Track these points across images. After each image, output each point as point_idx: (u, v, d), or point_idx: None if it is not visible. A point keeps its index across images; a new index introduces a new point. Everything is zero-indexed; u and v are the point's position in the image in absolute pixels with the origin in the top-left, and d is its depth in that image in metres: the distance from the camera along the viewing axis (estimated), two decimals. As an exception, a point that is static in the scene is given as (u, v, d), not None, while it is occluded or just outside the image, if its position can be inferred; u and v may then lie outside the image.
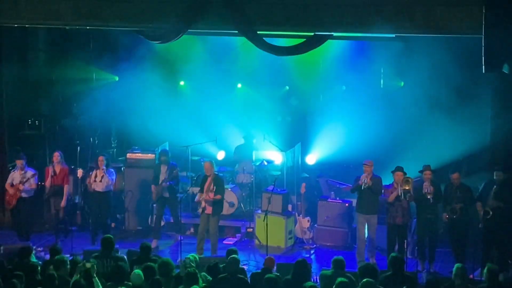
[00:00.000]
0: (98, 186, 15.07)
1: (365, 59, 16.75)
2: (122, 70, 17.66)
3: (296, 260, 10.93)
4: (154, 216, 15.83)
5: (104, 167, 15.07)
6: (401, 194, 13.61)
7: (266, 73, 17.76)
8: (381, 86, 17.38)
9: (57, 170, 15.19)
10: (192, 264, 11.01)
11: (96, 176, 15.06)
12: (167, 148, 16.66)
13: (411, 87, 16.58)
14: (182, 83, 18.75)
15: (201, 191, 14.61)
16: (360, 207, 14.28)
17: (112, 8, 13.32)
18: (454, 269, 10.68)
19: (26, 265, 10.90)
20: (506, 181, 13.33)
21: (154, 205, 15.96)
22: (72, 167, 15.92)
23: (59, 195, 15.19)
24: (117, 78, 18.41)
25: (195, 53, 17.54)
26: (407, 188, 13.58)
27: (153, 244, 14.65)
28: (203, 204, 14.50)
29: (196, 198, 14.74)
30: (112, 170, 15.41)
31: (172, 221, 15.80)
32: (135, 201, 16.31)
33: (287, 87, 18.37)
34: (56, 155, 15.24)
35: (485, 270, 10.56)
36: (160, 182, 15.34)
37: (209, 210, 14.49)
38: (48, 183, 15.20)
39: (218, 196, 14.50)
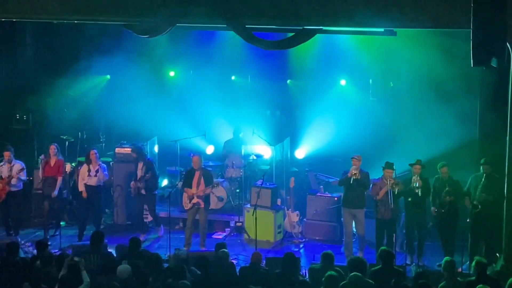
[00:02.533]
0: (92, 180, 15.07)
1: (354, 56, 16.75)
2: (111, 64, 17.55)
3: (284, 254, 10.95)
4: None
5: (99, 161, 15.09)
6: (390, 192, 13.59)
7: (257, 67, 17.73)
8: (370, 82, 17.34)
9: (52, 162, 15.17)
10: (183, 256, 11.03)
11: (89, 170, 15.02)
12: (155, 143, 16.61)
13: (400, 81, 16.63)
14: (172, 73, 18.64)
15: (187, 185, 14.59)
16: (347, 201, 14.27)
17: (100, 2, 13.25)
18: (442, 262, 10.73)
19: (13, 261, 10.89)
20: (493, 175, 13.38)
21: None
22: (61, 161, 15.86)
23: (51, 187, 15.13)
24: (108, 77, 18.35)
25: (184, 46, 17.49)
26: (395, 189, 13.60)
27: (142, 238, 14.66)
28: (195, 199, 14.49)
29: (189, 192, 14.58)
30: (104, 165, 15.43)
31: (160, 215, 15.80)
32: (124, 196, 16.26)
33: (289, 81, 18.33)
34: (53, 148, 15.21)
35: (473, 263, 10.61)
36: (137, 178, 15.31)
37: (202, 204, 14.52)
38: (41, 174, 15.14)
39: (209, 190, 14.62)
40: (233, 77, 18.64)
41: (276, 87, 18.20)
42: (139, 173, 15.28)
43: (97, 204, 15.29)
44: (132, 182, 15.41)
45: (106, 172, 15.34)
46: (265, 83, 18.06)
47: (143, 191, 15.32)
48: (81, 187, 15.17)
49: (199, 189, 14.49)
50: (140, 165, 15.31)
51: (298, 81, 18.14)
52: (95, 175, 15.06)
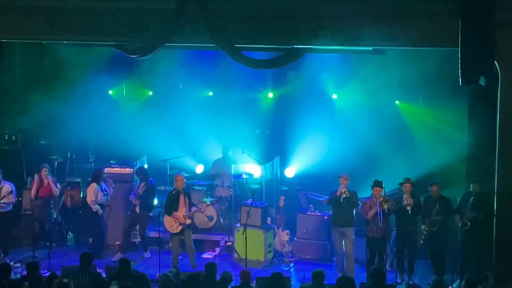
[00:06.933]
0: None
1: (342, 73, 16.79)
2: (100, 83, 17.54)
3: (271, 274, 10.90)
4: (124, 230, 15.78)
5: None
6: (379, 212, 13.56)
7: (244, 84, 17.72)
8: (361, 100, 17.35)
9: (46, 183, 15.17)
10: (179, 276, 11.01)
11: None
12: (145, 163, 16.59)
13: (389, 99, 16.68)
14: (150, 93, 18.59)
15: (174, 209, 14.47)
16: (336, 220, 14.27)
17: (88, 23, 13.29)
18: (432, 281, 10.72)
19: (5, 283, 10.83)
20: (483, 192, 13.41)
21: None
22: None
23: (43, 207, 15.13)
24: (111, 92, 18.32)
25: (171, 64, 17.45)
26: (385, 207, 13.59)
27: (117, 257, 14.69)
28: (188, 221, 14.45)
29: (180, 215, 14.43)
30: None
31: (150, 235, 15.73)
32: (114, 216, 16.18)
33: (271, 94, 18.30)
34: (45, 170, 15.21)
35: (463, 282, 10.60)
36: (136, 196, 15.40)
37: (188, 224, 14.48)
38: (32, 195, 15.08)
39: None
40: (210, 93, 18.51)
41: (262, 102, 18.18)
42: (139, 191, 15.37)
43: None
44: (133, 198, 15.44)
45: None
46: (251, 98, 18.02)
47: (137, 209, 15.31)
48: (94, 208, 15.28)
49: (191, 210, 14.45)
50: (142, 184, 15.42)
51: (286, 98, 18.07)
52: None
